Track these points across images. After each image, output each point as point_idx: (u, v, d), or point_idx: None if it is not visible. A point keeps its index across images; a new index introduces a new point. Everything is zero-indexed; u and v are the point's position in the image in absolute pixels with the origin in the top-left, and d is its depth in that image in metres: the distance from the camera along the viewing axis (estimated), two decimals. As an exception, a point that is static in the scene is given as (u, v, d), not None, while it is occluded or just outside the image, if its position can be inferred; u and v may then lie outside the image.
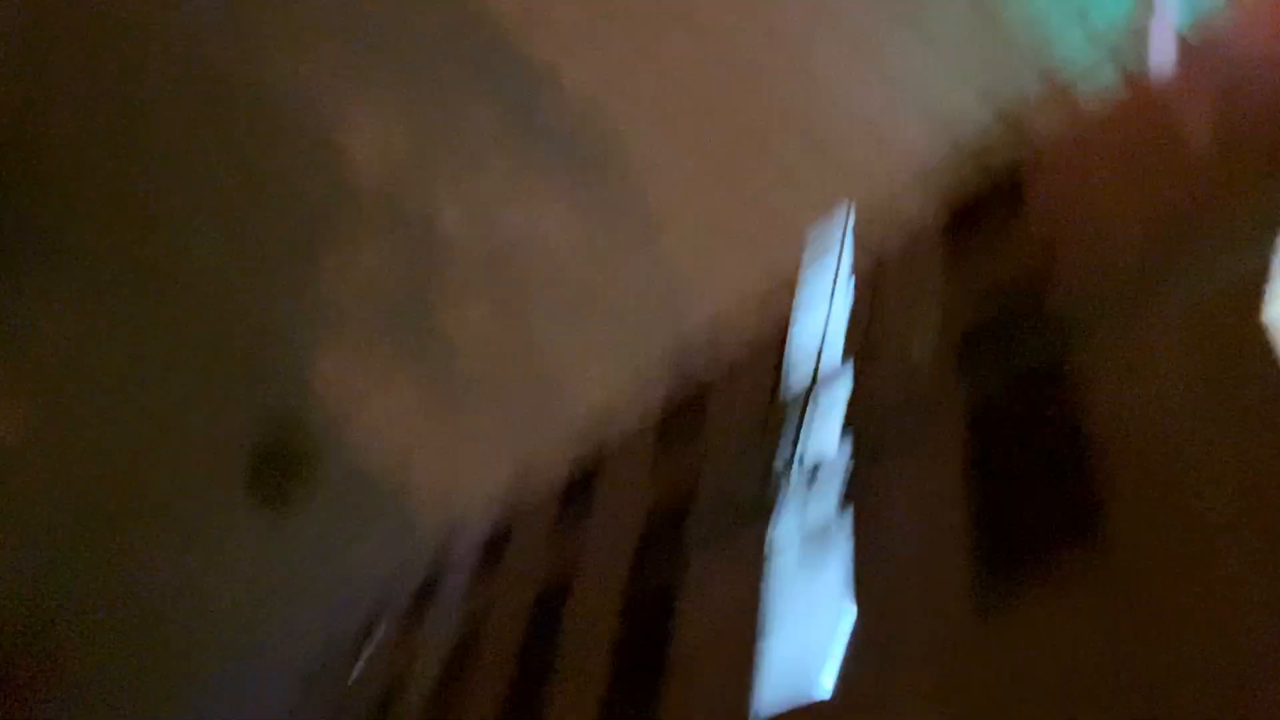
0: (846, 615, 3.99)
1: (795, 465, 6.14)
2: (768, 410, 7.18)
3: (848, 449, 5.90)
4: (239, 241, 3.59)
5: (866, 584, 4.65)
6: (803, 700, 3.96)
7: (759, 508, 6.18)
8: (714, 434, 7.85)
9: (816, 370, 6.82)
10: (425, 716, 7.87)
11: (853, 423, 6.05)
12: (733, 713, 4.25)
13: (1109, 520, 3.53)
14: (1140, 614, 3.15)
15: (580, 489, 8.48)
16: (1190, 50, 6.04)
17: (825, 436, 6.17)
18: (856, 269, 7.56)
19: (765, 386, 7.53)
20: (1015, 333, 5.41)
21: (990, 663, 3.38)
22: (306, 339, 3.93)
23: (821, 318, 7.18)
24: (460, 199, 4.14)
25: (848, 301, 7.29)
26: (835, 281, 7.34)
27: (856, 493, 5.58)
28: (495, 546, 8.42)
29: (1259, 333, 3.94)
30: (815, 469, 5.98)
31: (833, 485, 5.71)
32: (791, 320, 7.59)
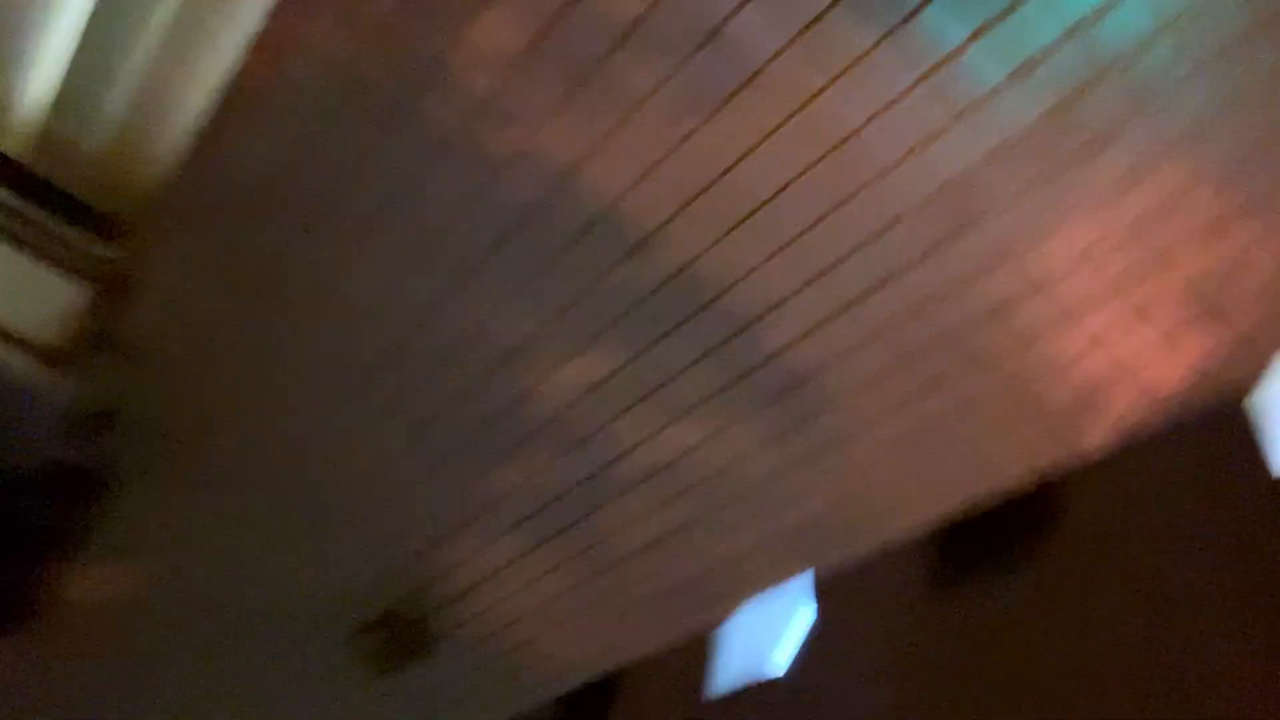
0: (803, 596, 3.85)
1: None
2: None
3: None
4: (403, 442, 3.59)
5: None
6: (756, 679, 3.85)
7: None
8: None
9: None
10: None
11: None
12: (687, 693, 4.09)
13: (1066, 507, 3.39)
14: (1087, 595, 3.02)
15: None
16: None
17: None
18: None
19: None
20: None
21: (944, 641, 3.28)
22: (451, 524, 3.85)
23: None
24: (640, 422, 4.05)
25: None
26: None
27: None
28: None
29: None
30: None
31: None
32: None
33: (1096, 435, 3.04)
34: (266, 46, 2.71)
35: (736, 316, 2.85)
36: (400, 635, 4.20)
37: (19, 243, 3.38)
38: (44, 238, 3.42)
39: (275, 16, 2.66)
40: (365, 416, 3.41)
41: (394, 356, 3.20)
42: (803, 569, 3.71)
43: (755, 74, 2.33)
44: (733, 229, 2.63)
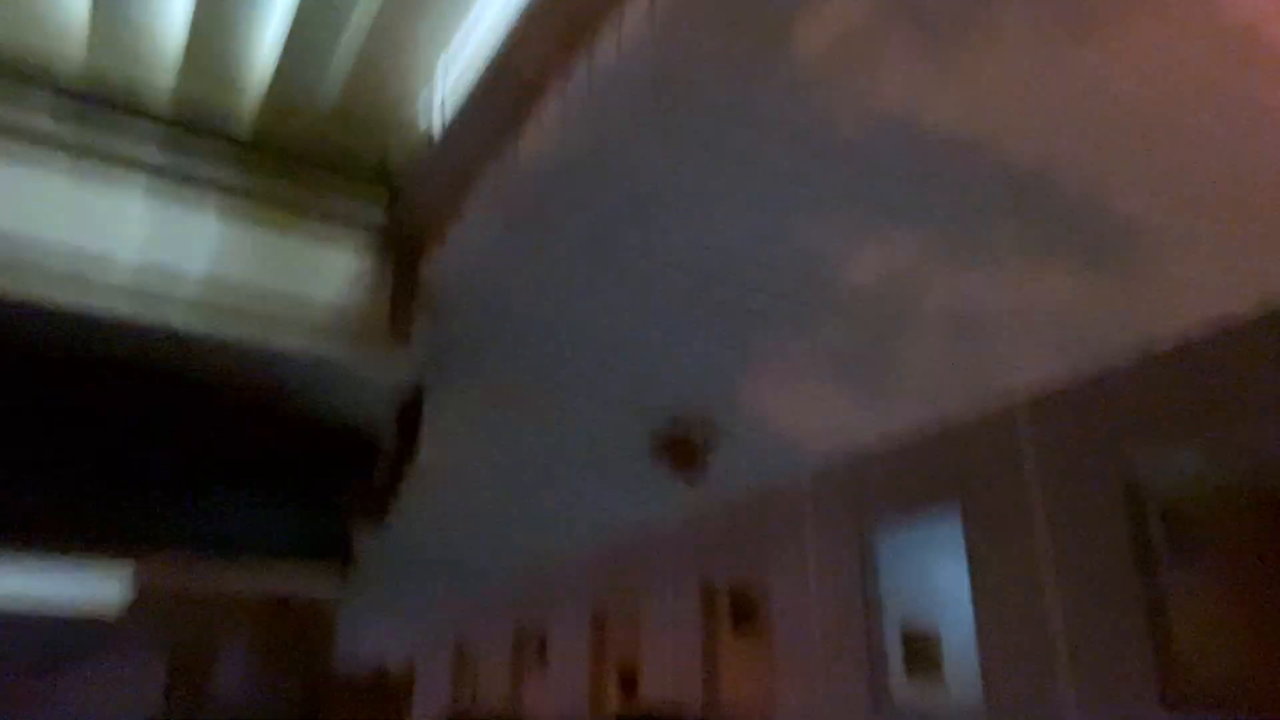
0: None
1: None
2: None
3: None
4: (711, 325, 3.57)
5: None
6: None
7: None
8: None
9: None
10: None
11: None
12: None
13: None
14: None
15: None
16: None
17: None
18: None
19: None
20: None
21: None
22: (736, 373, 3.93)
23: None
24: (949, 278, 3.68)
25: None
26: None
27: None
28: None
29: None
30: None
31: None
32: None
33: None
34: (548, 38, 2.50)
35: (1055, 192, 2.79)
36: (686, 444, 4.73)
37: (299, 227, 3.45)
38: (316, 214, 3.47)
39: (554, 9, 2.42)
40: (664, 303, 3.59)
41: (695, 263, 3.30)
42: (1070, 369, 3.88)
43: (1140, -3, 2.06)
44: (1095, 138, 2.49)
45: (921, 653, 5.00)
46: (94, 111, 3.15)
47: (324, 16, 2.93)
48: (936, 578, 5.26)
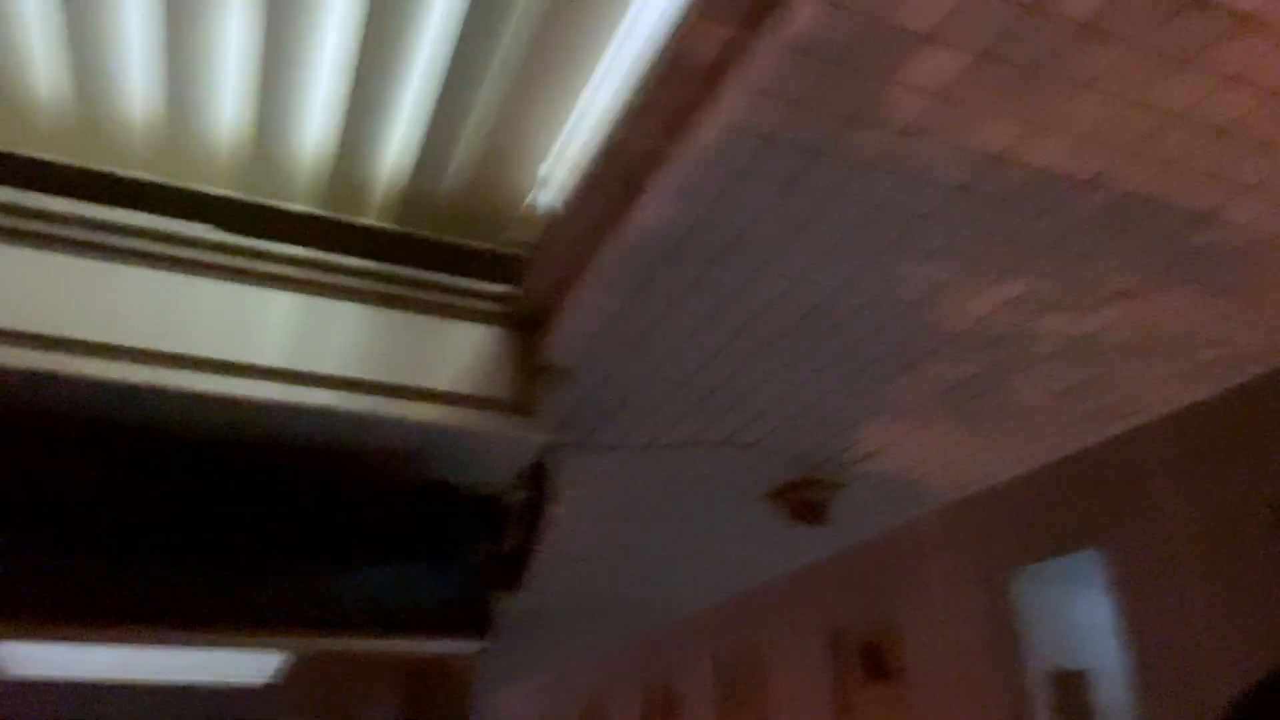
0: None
1: None
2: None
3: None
4: (817, 368, 3.69)
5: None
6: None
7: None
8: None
9: None
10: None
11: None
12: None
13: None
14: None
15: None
16: None
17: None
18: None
19: None
20: None
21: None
22: (858, 416, 3.99)
23: None
24: (1060, 316, 3.78)
25: None
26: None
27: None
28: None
29: None
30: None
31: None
32: None
33: None
34: (657, 114, 2.67)
35: (1177, 219, 2.77)
36: (808, 494, 4.75)
37: (427, 307, 3.70)
38: (446, 295, 3.71)
39: (664, 88, 2.59)
40: (779, 355, 3.67)
41: (810, 314, 3.38)
42: (1211, 390, 3.78)
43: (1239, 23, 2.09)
44: (1179, 166, 2.49)
45: (1070, 694, 4.83)
46: (246, 215, 3.48)
47: (451, 117, 3.18)
48: (1079, 614, 5.07)
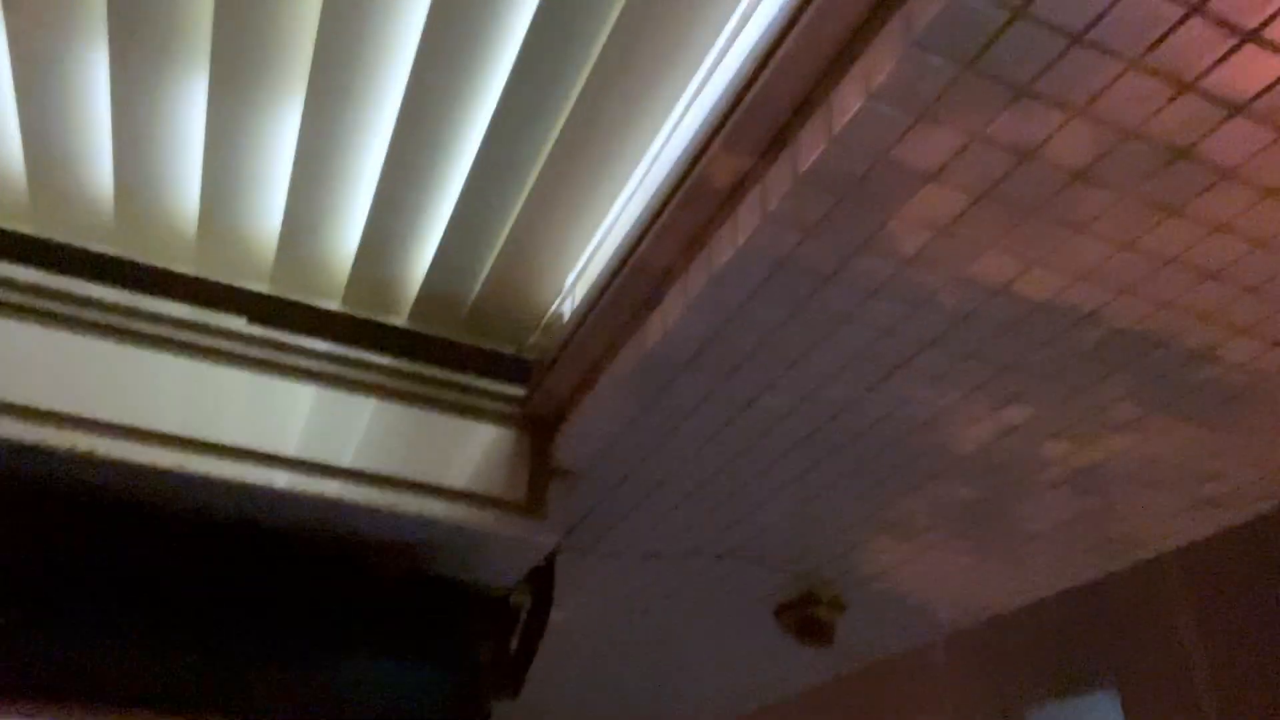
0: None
1: None
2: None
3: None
4: (822, 486, 3.76)
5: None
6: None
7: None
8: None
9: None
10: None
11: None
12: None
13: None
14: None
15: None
16: None
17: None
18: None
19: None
20: None
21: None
22: (861, 536, 4.01)
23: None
24: (1062, 444, 3.96)
25: None
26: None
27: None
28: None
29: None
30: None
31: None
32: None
33: None
34: (677, 235, 2.84)
35: (1173, 357, 2.87)
36: (814, 613, 4.72)
37: (445, 405, 3.81)
38: (464, 395, 3.83)
39: (681, 212, 2.76)
40: (788, 469, 3.73)
41: (818, 431, 3.46)
42: (1214, 527, 3.81)
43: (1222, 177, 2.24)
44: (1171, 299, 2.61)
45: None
46: (276, 310, 3.63)
47: (481, 227, 3.34)
48: None
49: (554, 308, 3.77)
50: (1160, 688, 4.10)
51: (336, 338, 3.66)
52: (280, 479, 3.52)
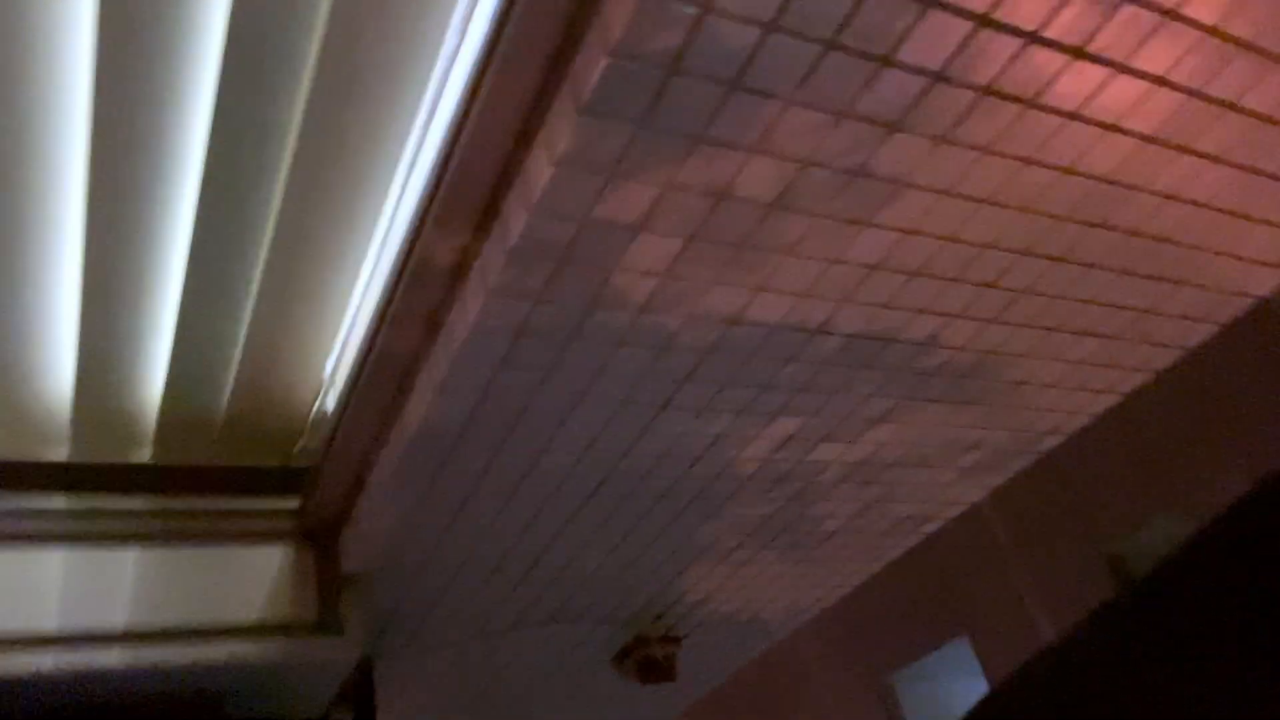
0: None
1: None
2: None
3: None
4: (624, 527, 3.59)
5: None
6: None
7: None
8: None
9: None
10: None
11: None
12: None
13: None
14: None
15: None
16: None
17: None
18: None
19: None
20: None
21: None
22: (676, 569, 3.91)
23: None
24: (836, 444, 3.90)
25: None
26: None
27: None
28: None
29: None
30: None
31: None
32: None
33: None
34: (413, 317, 2.75)
35: (905, 350, 3.07)
36: (649, 654, 4.71)
37: (215, 535, 3.53)
38: (233, 520, 3.56)
39: (412, 295, 2.68)
40: (587, 522, 3.71)
41: (606, 479, 3.45)
42: (984, 489, 4.11)
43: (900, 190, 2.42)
44: (889, 299, 2.80)
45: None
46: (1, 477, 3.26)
47: (205, 345, 3.13)
48: (960, 701, 5.17)
49: (317, 405, 3.59)
50: (1003, 625, 4.36)
51: (72, 489, 3.32)
52: (41, 661, 3.15)
